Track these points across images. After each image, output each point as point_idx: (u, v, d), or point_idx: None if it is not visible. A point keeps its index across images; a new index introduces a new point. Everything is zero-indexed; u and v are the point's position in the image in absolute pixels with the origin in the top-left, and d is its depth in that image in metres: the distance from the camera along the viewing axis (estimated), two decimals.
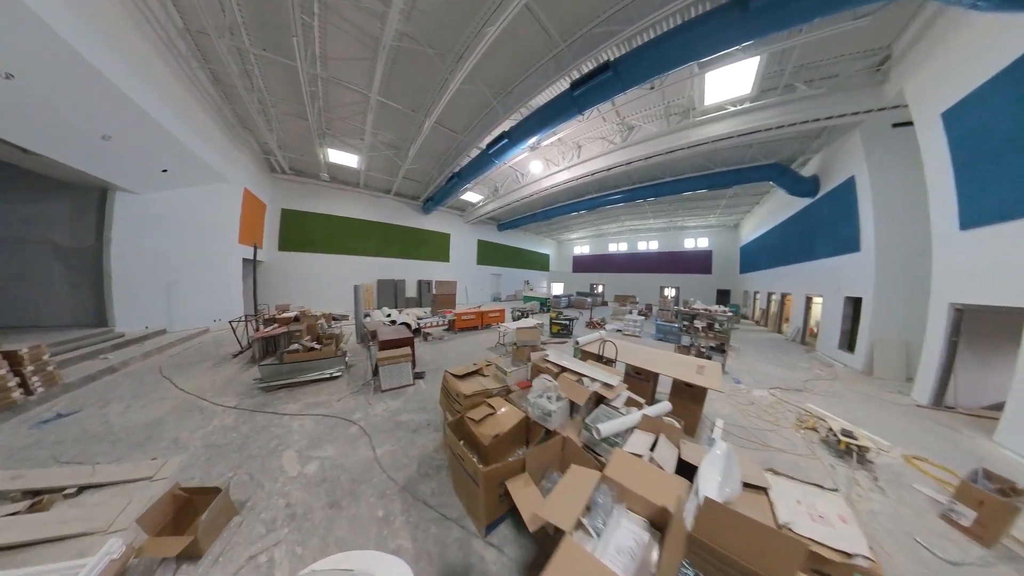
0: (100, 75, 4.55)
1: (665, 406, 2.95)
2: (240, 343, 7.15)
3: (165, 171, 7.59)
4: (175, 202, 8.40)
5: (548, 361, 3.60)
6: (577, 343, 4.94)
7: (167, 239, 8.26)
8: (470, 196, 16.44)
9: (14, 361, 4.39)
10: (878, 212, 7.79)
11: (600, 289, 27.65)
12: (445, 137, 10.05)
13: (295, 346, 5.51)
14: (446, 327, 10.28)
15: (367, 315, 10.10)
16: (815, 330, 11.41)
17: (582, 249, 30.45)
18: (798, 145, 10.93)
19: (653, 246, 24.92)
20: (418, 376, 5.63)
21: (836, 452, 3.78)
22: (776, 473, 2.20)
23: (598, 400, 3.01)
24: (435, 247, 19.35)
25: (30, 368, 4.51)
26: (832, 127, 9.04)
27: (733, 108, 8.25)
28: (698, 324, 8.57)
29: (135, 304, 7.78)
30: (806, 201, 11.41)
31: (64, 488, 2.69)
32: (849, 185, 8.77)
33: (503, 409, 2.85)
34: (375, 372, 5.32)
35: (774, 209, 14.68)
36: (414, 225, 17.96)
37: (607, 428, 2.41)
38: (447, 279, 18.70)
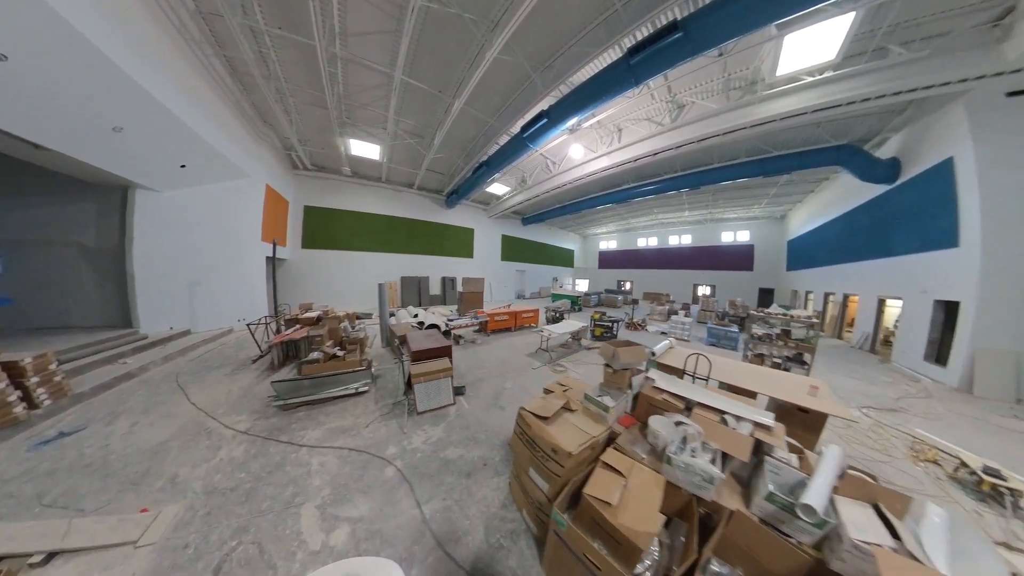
0: (105, 59, 4.06)
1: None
2: (259, 346, 6.71)
3: (184, 167, 7.21)
4: (196, 200, 8.07)
5: (660, 389, 2.74)
6: (653, 355, 4.06)
7: (189, 238, 7.94)
8: (496, 188, 15.58)
9: (15, 373, 4.00)
10: (986, 200, 6.43)
11: (628, 286, 26.35)
12: (473, 122, 9.25)
13: (315, 356, 4.91)
14: (478, 328, 9.61)
15: (392, 314, 9.59)
16: (890, 337, 10.00)
17: (608, 244, 29.08)
18: (876, 122, 9.45)
19: (686, 240, 23.28)
20: (458, 392, 4.87)
21: (976, 493, 3.01)
22: None
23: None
24: (459, 242, 18.66)
25: (34, 380, 4.12)
26: (923, 99, 7.63)
27: (810, 79, 7.02)
28: (758, 330, 7.46)
29: (158, 305, 7.50)
30: (882, 188, 9.90)
31: (30, 554, 2.14)
32: (945, 168, 7.36)
33: (635, 476, 2.00)
34: (407, 386, 4.63)
35: (836, 198, 13.06)
36: (437, 220, 17.32)
37: (818, 499, 1.58)
38: (472, 275, 18.00)
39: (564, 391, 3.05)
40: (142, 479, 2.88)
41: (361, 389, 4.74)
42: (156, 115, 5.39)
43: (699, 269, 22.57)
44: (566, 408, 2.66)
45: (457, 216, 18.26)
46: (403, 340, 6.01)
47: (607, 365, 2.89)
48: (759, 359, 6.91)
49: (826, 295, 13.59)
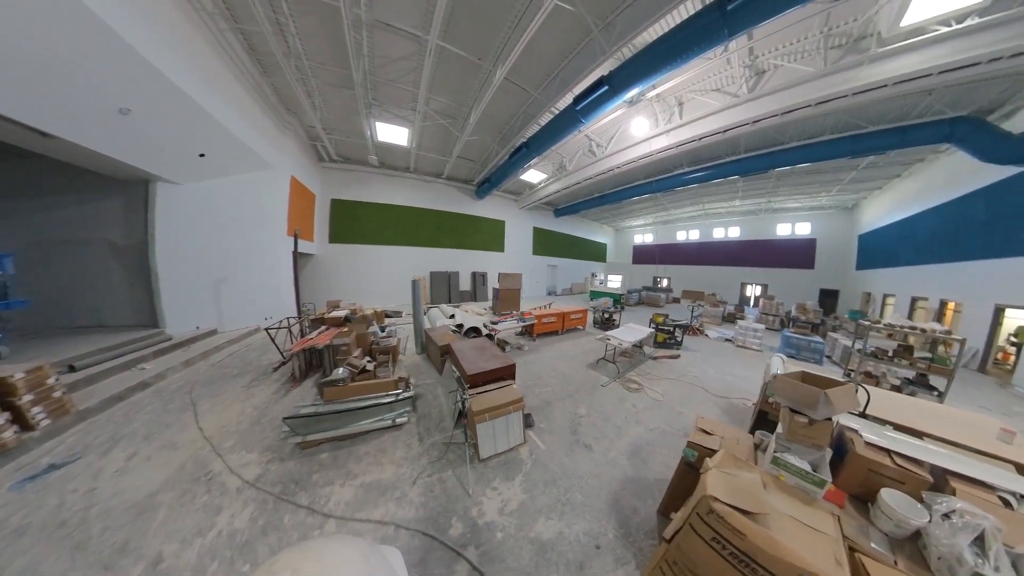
0: (107, 28, 3.43)
1: None
2: (281, 352, 6.12)
3: (203, 156, 6.66)
4: (219, 193, 7.59)
5: (882, 448, 1.72)
6: (775, 378, 2.94)
7: (213, 233, 7.48)
8: (531, 176, 14.35)
9: (5, 391, 3.48)
10: None
11: (665, 283, 24.53)
12: (514, 98, 8.18)
13: (340, 374, 4.10)
14: (522, 331, 8.65)
15: (423, 312, 8.85)
16: (1010, 354, 8.21)
17: (644, 237, 27.15)
18: (1009, 87, 7.55)
19: (734, 233, 21.09)
20: (527, 424, 3.85)
21: None
22: None
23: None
24: (489, 235, 17.74)
25: (27, 398, 3.58)
26: None
27: (943, 29, 5.48)
28: (856, 344, 6.08)
29: (184, 303, 7.11)
30: (1009, 170, 8.00)
31: None
32: None
33: None
34: (458, 419, 3.71)
35: (935, 183, 10.98)
36: (467, 211, 16.46)
37: None
38: (503, 270, 17.02)
39: (715, 440, 2.06)
40: (117, 558, 2.18)
41: (399, 420, 3.92)
42: (167, 96, 4.79)
43: (748, 266, 20.37)
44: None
45: (488, 207, 17.33)
46: (447, 352, 5.16)
47: (795, 412, 1.86)
48: (871, 379, 5.59)
49: (913, 300, 11.61)
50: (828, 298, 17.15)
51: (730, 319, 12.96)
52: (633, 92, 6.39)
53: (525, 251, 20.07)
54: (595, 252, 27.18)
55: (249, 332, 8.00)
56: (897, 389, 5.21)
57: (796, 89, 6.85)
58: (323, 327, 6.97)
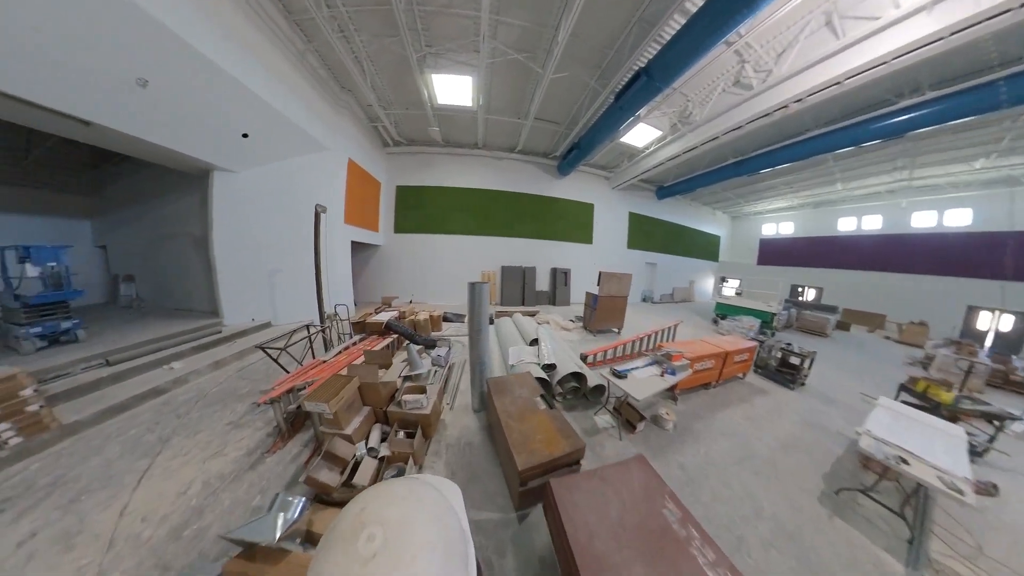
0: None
1: None
2: (296, 363, 5.18)
3: (246, 136, 6.19)
4: (275, 179, 7.30)
5: None
6: None
7: (267, 222, 7.26)
8: (636, 136, 10.51)
9: None
10: None
11: (811, 295, 17.17)
12: (622, 7, 5.62)
13: (290, 514, 1.99)
14: (668, 392, 4.88)
15: (491, 320, 7.19)
16: None
17: (780, 227, 19.74)
18: None
19: (956, 219, 13.16)
20: None
21: None
22: None
23: None
24: (574, 222, 14.54)
25: None
26: None
27: None
28: None
29: (240, 294, 7.09)
30: None
31: None
32: None
33: None
34: None
35: None
36: (546, 193, 13.74)
37: None
38: (593, 266, 13.69)
39: None
40: None
41: None
42: (187, 61, 4.25)
43: (988, 277, 11.94)
44: None
45: (572, 186, 14.19)
46: (535, 492, 2.62)
47: None
48: None
49: None
50: None
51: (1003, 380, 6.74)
52: None
53: (618, 243, 16.17)
54: (704, 247, 20.91)
55: (299, 327, 7.76)
56: None
57: None
58: (354, 339, 5.95)
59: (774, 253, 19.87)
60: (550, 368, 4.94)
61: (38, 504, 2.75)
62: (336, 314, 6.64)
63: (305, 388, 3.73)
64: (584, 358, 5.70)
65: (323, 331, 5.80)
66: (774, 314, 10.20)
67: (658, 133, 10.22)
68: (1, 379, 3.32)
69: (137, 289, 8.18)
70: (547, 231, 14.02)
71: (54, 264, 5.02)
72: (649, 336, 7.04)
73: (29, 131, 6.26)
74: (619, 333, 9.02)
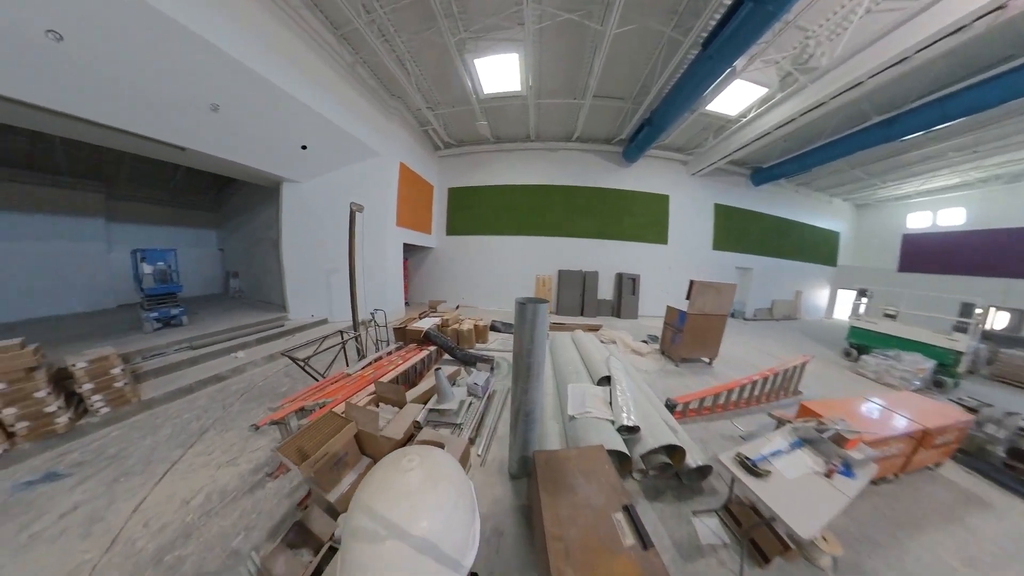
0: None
1: None
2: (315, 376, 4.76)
3: (304, 148, 6.81)
4: (335, 186, 8.01)
5: None
6: None
7: (326, 226, 7.97)
8: (727, 102, 8.17)
9: (62, 377, 3.88)
10: None
11: (999, 320, 10.12)
12: None
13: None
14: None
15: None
16: None
17: (937, 216, 13.89)
18: None
19: None
20: None
21: None
22: None
23: None
24: (644, 217, 12.38)
25: (88, 386, 3.96)
26: None
27: None
28: None
29: (303, 292, 7.95)
30: None
31: None
32: None
33: None
34: None
35: None
36: (610, 185, 12.10)
37: None
38: (668, 269, 12.01)
39: None
40: None
41: None
42: (251, 85, 4.87)
43: None
44: None
45: (641, 176, 12.19)
46: None
47: None
48: None
49: None
50: None
51: None
52: None
53: (701, 243, 13.14)
54: (816, 247, 15.55)
55: (349, 325, 8.35)
56: None
57: None
58: (388, 349, 5.74)
59: (927, 254, 13.91)
60: (631, 431, 3.38)
61: (95, 475, 3.16)
62: (373, 319, 6.58)
63: (316, 409, 3.46)
64: (671, 407, 4.04)
65: (356, 338, 5.69)
66: (960, 352, 6.42)
67: (761, 92, 7.68)
68: (98, 358, 4.05)
69: (240, 283, 9.93)
70: (611, 230, 12.36)
71: (162, 263, 6.19)
72: (766, 378, 4.86)
73: (175, 166, 8.09)
74: (711, 364, 6.86)
